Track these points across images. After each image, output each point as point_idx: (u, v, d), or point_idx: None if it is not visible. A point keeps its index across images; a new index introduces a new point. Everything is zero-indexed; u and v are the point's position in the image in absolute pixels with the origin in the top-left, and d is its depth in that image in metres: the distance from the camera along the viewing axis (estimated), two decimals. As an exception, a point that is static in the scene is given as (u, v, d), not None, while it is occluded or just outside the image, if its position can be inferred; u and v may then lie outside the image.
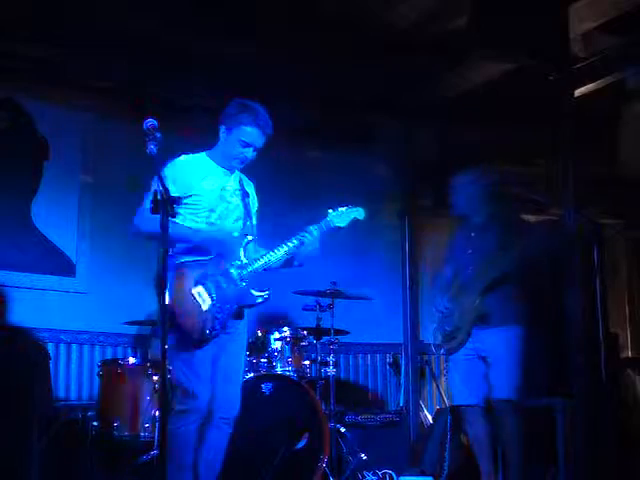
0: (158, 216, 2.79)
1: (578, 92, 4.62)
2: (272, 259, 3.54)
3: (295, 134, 5.75)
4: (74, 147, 5.45)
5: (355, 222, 5.92)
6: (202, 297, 3.40)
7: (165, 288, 2.85)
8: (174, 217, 2.93)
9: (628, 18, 4.20)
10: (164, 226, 2.81)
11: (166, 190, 2.88)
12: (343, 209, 3.75)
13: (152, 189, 3.45)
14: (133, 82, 5.22)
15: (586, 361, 4.38)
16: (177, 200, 2.95)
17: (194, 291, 3.39)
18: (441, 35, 4.85)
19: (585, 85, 4.61)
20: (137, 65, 5.10)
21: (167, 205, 2.84)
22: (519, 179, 5.56)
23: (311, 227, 3.62)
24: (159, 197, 2.84)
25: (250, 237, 3.60)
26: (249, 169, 3.80)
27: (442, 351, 4.35)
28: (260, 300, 3.53)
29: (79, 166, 5.46)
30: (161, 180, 2.89)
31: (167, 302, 3.27)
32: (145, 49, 4.94)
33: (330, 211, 3.72)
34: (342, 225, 3.72)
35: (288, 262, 3.68)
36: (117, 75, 5.17)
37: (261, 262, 3.53)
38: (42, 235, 5.26)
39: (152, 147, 3.01)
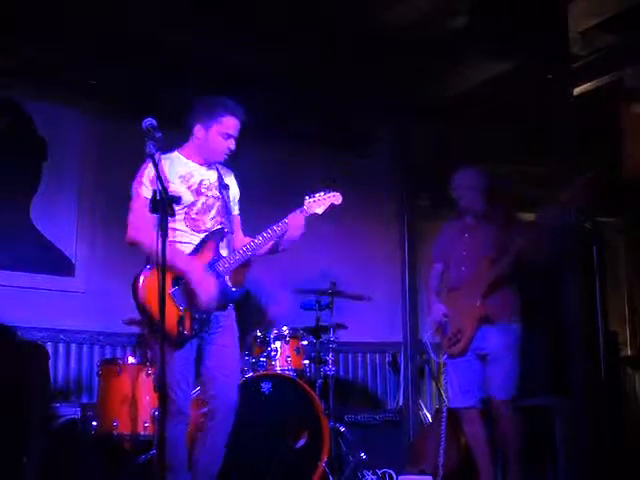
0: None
1: (577, 91, 4.62)
2: (249, 253, 3.53)
3: (293, 134, 5.75)
4: (74, 147, 5.45)
5: (355, 222, 6.01)
6: (178, 297, 3.39)
7: (165, 289, 2.85)
8: (173, 216, 2.93)
9: (627, 16, 4.20)
10: (163, 225, 2.82)
11: (165, 190, 2.89)
12: (319, 195, 3.69)
13: (138, 193, 3.47)
14: (133, 82, 5.22)
15: (586, 360, 4.38)
16: (176, 200, 2.96)
17: (170, 292, 3.37)
18: (441, 35, 4.85)
19: (584, 84, 4.61)
20: (137, 65, 5.09)
21: (166, 205, 2.85)
22: (518, 179, 5.56)
23: (286, 218, 3.59)
24: (158, 197, 2.84)
25: (226, 230, 3.60)
26: (242, 170, 3.82)
27: (444, 357, 4.32)
28: (237, 295, 3.54)
29: (78, 166, 5.46)
30: (160, 180, 2.89)
31: (144, 304, 3.32)
32: (145, 49, 4.95)
33: (306, 198, 3.68)
34: (319, 212, 3.67)
35: (272, 250, 3.68)
36: (117, 75, 5.17)
37: (238, 257, 3.53)
38: (41, 235, 5.26)
39: (151, 147, 3.01)
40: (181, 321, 3.35)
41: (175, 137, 3.49)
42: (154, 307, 3.12)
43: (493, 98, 5.36)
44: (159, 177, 2.89)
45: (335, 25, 4.83)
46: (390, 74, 5.38)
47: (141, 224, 3.41)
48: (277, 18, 4.74)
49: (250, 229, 3.88)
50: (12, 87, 5.19)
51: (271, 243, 3.62)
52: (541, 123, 4.89)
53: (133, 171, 3.60)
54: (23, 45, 4.86)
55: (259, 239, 3.55)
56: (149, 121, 3.05)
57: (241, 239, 3.69)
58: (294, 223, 3.59)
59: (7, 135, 5.24)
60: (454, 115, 5.62)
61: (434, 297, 4.42)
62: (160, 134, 3.04)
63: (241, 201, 3.82)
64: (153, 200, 2.86)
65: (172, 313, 3.35)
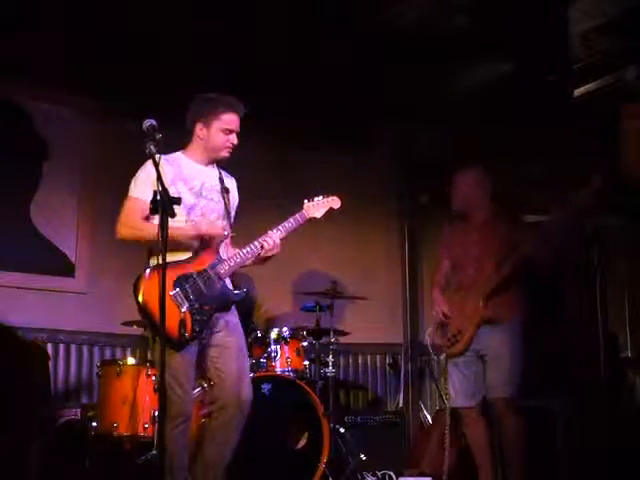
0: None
1: (578, 92, 4.62)
2: (249, 256, 3.56)
3: (294, 135, 5.75)
4: (74, 147, 5.45)
5: (355, 223, 6.01)
6: (179, 299, 3.39)
7: (164, 289, 2.84)
8: (173, 217, 2.92)
9: (628, 18, 4.19)
10: (164, 227, 2.82)
11: (165, 191, 2.88)
12: (319, 199, 3.77)
13: (134, 194, 3.50)
14: (133, 82, 5.21)
15: (586, 361, 4.37)
16: (177, 200, 2.96)
17: (171, 293, 3.38)
18: (441, 35, 4.84)
19: (585, 85, 4.60)
20: (137, 65, 5.09)
21: (167, 206, 2.84)
22: (519, 179, 5.55)
23: (271, 231, 3.59)
24: (158, 197, 2.84)
25: (226, 233, 3.61)
26: (243, 169, 3.82)
27: (443, 356, 4.30)
28: (238, 297, 3.55)
29: (79, 166, 5.47)
30: (161, 181, 2.88)
31: (145, 305, 3.31)
32: (145, 49, 4.94)
33: (305, 201, 3.75)
34: (318, 216, 3.75)
35: (255, 262, 3.68)
36: (117, 75, 5.16)
37: (239, 259, 3.54)
38: (41, 235, 5.26)
39: (151, 148, 3.01)
40: (182, 323, 3.35)
41: (175, 138, 3.49)
42: (155, 309, 3.10)
43: (493, 99, 5.35)
44: (159, 178, 2.89)
45: (335, 25, 4.83)
46: (389, 74, 5.37)
47: (130, 221, 3.49)
48: (277, 18, 4.74)
49: (248, 229, 3.88)
50: (12, 87, 5.19)
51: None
52: (541, 124, 4.88)
53: (133, 171, 3.60)
54: (23, 45, 4.86)
55: (257, 244, 3.57)
56: (149, 122, 3.05)
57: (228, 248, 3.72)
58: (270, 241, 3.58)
59: (7, 135, 5.24)
60: (455, 115, 5.61)
61: (437, 293, 4.41)
62: (160, 135, 3.04)
63: (239, 201, 3.83)
64: (153, 200, 2.86)
65: (173, 315, 3.34)
